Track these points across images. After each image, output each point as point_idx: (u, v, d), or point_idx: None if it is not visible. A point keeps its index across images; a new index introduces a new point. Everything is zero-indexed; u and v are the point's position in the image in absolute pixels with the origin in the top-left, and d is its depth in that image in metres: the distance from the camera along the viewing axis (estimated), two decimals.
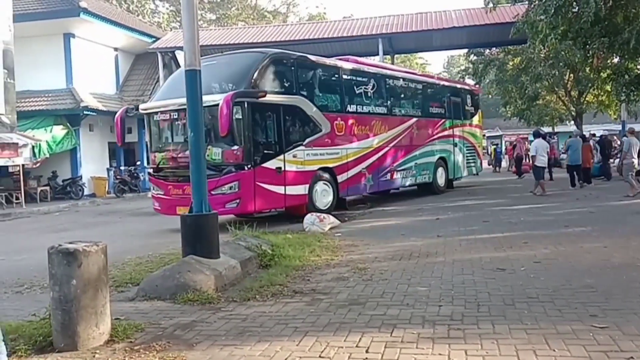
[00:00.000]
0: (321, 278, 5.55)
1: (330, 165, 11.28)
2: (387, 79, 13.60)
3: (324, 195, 11.00)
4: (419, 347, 3.44)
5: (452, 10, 26.04)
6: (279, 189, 10.02)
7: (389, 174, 13.26)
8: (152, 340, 3.75)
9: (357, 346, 3.51)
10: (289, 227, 9.16)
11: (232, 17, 48.47)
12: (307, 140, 10.70)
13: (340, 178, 11.51)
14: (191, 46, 5.80)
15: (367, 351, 3.42)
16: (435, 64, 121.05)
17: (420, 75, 15.33)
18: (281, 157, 10.08)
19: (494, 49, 29.51)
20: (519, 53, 26.78)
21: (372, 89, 12.79)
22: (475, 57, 29.76)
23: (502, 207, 11.40)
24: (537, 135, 14.14)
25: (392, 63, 29.03)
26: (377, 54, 25.25)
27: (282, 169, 10.03)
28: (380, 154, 12.87)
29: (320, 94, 11.48)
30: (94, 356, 3.47)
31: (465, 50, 32.79)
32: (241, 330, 3.92)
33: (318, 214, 9.47)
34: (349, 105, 12.10)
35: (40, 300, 4.68)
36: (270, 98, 9.79)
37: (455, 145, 16.20)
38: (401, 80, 14.32)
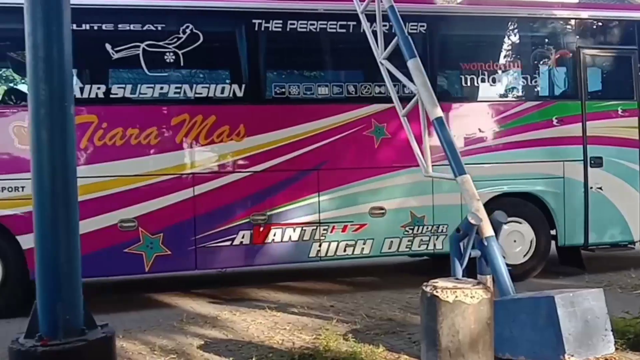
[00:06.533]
0: None
1: None
2: (252, 19, 5.74)
3: None
4: None
5: None
6: None
7: (245, 233, 5.63)
8: None
9: None
10: None
11: None
12: None
13: (27, 240, 4.87)
14: None
15: None
16: None
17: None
18: None
19: None
20: None
21: (184, 45, 5.52)
22: None
23: None
24: None
25: None
26: None
27: None
28: (210, 185, 5.63)
29: None
30: None
31: None
32: None
33: None
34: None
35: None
36: None
37: (592, 162, 6.38)
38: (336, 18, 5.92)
